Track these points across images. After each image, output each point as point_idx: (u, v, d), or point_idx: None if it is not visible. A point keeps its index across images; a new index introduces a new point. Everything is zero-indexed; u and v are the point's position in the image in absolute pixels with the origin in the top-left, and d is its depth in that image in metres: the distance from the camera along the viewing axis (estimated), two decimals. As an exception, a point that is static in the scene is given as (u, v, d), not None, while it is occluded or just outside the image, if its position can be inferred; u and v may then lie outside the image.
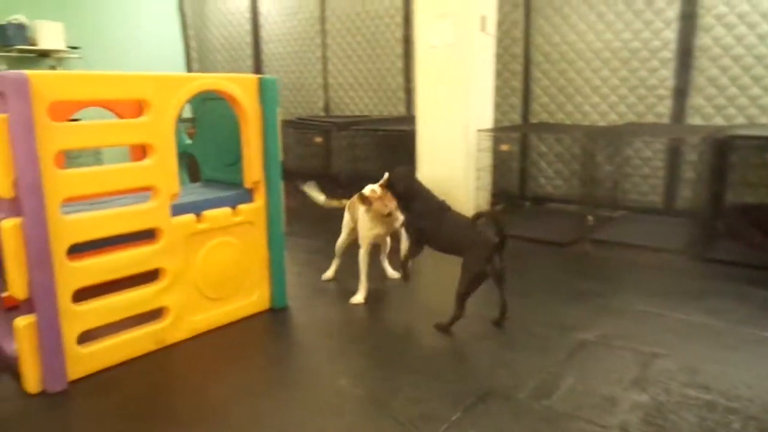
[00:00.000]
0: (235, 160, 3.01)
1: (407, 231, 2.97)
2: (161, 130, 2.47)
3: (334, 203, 3.65)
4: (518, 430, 1.95)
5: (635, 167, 4.91)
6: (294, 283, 3.38)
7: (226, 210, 2.83)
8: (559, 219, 4.87)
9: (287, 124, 6.60)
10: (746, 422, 1.98)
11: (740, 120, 4.43)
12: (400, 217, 2.96)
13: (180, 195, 2.63)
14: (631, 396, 2.13)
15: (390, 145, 6.04)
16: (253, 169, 2.89)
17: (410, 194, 2.90)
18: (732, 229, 4.07)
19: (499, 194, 5.17)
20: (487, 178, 4.85)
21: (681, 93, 4.63)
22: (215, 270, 2.79)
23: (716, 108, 4.52)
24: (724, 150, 4.16)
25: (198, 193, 2.96)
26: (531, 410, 2.06)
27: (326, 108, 7.15)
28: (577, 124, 5.13)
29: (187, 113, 3.61)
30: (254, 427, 2.02)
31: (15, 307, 2.25)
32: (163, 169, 2.49)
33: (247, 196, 2.94)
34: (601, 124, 5.03)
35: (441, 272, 3.72)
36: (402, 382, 2.29)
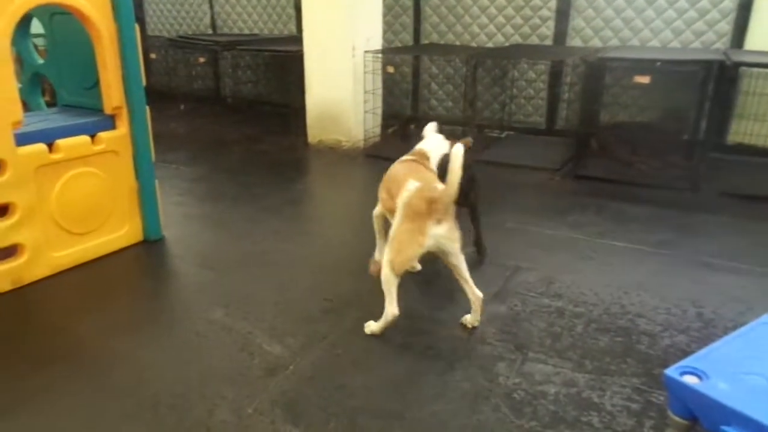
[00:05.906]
0: (95, 83, 2.76)
1: None
2: (-8, 49, 2.19)
3: None
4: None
5: (520, 89, 5.03)
6: (172, 212, 3.25)
7: (85, 138, 2.62)
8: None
9: (167, 42, 6.14)
10: (588, 325, 2.17)
11: (614, 42, 4.61)
12: None
13: (26, 122, 2.40)
14: (490, 308, 2.27)
15: (280, 66, 5.79)
16: (112, 94, 2.67)
17: None
18: (604, 147, 4.32)
19: (391, 117, 5.15)
20: (377, 101, 4.80)
21: (563, 14, 4.72)
22: (76, 203, 2.62)
23: (594, 30, 4.66)
24: (598, 71, 4.33)
25: (51, 119, 2.70)
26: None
27: (213, 25, 6.69)
28: (465, 45, 5.13)
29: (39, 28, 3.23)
30: (110, 366, 1.97)
31: None
32: (-2, 93, 2.24)
33: (109, 123, 2.73)
34: (489, 45, 5.06)
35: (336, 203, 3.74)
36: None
